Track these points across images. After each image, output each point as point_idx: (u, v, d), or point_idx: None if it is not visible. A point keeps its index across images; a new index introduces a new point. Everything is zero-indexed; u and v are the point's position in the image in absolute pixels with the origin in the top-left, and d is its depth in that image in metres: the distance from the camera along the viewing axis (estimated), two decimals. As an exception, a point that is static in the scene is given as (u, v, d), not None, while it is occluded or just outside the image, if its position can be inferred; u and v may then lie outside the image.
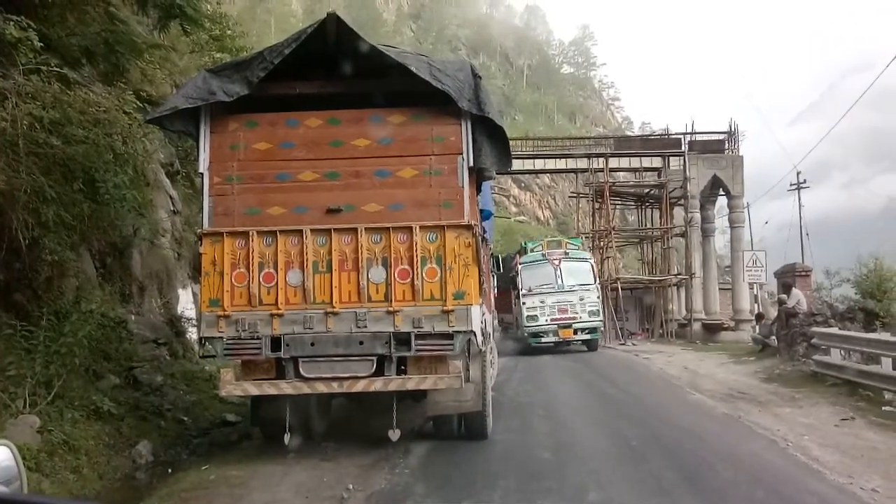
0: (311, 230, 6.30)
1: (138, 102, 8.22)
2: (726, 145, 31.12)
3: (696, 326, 27.78)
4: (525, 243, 23.06)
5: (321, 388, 6.16)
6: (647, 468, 6.19)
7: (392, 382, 6.16)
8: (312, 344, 6.18)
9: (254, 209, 6.41)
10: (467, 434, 7.19)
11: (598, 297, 20.20)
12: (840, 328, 12.72)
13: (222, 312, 6.22)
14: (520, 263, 20.15)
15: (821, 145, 78.44)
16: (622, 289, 28.84)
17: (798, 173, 30.43)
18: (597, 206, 31.06)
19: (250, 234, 6.29)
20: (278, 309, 6.22)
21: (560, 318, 19.39)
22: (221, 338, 6.20)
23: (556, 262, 20.10)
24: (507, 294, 21.60)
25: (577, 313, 19.46)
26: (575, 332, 19.52)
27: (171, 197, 12.32)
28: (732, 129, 31.28)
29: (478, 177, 6.81)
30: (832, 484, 5.66)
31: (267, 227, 6.32)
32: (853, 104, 31.67)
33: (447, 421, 7.19)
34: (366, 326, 6.19)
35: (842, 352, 11.61)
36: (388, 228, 6.32)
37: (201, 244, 6.40)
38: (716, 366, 16.39)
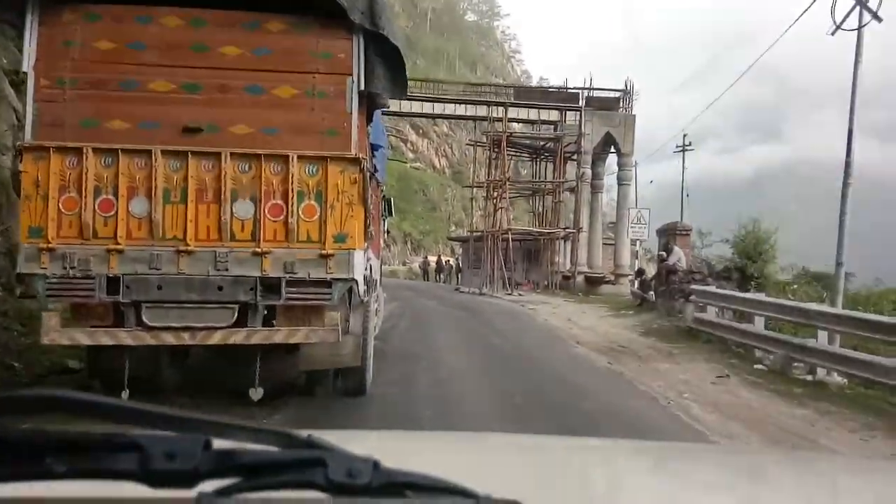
0: (163, 151, 5.24)
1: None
2: (621, 104, 31.73)
3: (580, 279, 28.63)
4: None
5: (169, 339, 5.24)
6: (532, 426, 5.88)
7: (256, 335, 5.34)
8: (159, 287, 5.21)
9: (90, 121, 5.25)
10: (344, 390, 6.57)
11: None
12: (717, 287, 13.16)
13: (45, 245, 5.10)
14: None
15: (696, 112, 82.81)
16: (512, 239, 29.01)
17: (684, 136, 31.61)
18: (493, 156, 30.88)
19: (84, 151, 5.15)
20: (117, 243, 5.16)
21: None
22: (44, 275, 5.10)
23: None
24: None
25: None
26: None
27: (15, 109, 10.47)
28: (628, 87, 31.88)
29: (369, 103, 5.98)
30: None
31: (106, 145, 5.21)
32: (739, 77, 33.06)
33: (322, 376, 6.52)
34: (227, 269, 5.30)
35: (717, 310, 12.01)
36: (259, 156, 5.39)
37: (21, 160, 5.20)
38: (597, 318, 16.80)
